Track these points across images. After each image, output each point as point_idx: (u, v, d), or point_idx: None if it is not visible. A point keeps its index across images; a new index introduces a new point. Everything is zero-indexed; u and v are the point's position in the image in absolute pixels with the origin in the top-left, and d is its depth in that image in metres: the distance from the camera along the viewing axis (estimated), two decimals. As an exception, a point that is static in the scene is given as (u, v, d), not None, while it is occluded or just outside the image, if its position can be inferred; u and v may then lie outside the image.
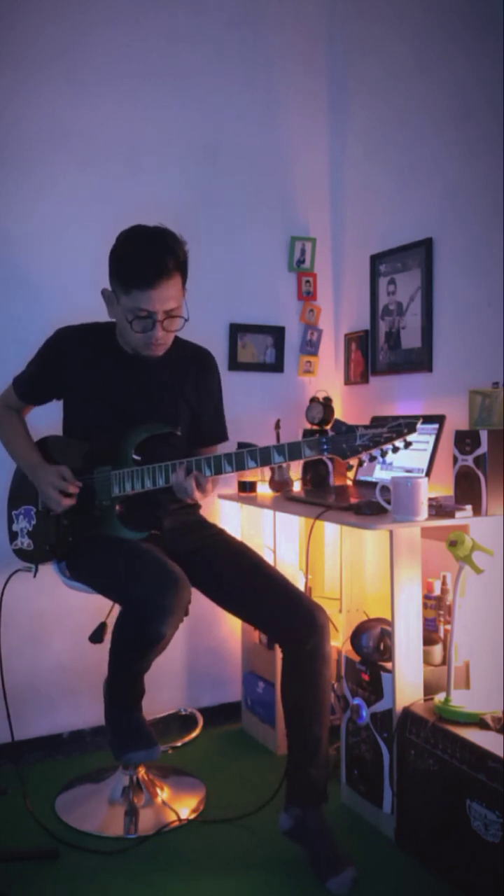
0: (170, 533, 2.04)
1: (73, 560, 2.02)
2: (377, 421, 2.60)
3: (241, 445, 2.51)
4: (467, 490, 2.12)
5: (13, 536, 2.15)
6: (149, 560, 1.82)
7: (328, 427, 2.77)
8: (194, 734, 2.65)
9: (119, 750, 1.93)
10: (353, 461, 1.77)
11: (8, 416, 2.14)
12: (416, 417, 1.73)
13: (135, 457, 1.94)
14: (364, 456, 1.73)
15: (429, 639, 2.12)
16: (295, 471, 2.74)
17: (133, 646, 1.87)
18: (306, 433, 2.84)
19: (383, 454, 1.72)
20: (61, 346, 2.01)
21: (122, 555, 1.88)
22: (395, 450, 1.71)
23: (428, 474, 2.29)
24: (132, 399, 1.98)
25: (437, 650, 2.13)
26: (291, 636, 1.91)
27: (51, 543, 2.03)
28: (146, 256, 1.81)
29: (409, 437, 1.72)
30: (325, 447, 1.74)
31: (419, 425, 1.73)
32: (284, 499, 2.53)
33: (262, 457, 1.79)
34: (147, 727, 1.96)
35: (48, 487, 1.95)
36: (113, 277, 1.87)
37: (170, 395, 2.03)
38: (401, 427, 1.69)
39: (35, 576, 2.09)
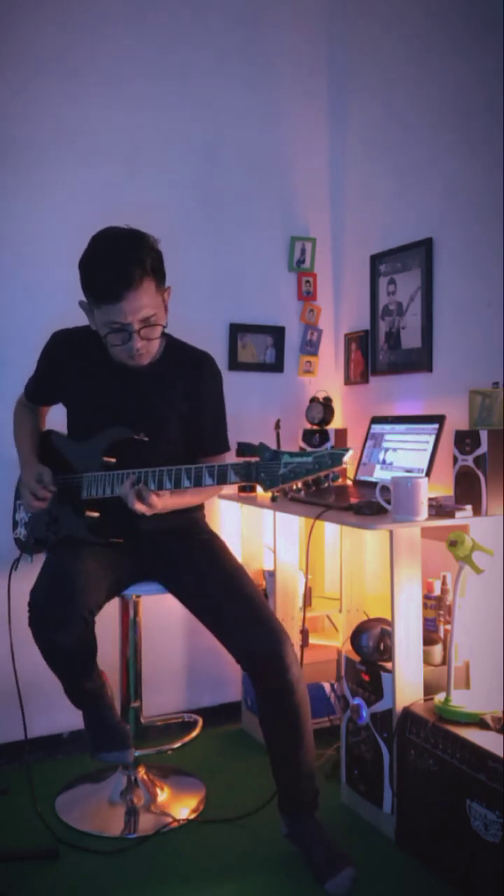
0: (149, 537, 2.01)
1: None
2: (377, 420, 2.62)
3: (240, 445, 2.52)
4: (467, 490, 2.12)
5: (15, 525, 2.18)
6: (59, 568, 1.83)
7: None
8: (194, 734, 2.65)
9: (93, 749, 1.95)
10: (277, 492, 1.60)
11: (22, 411, 2.17)
12: (345, 449, 1.54)
13: (108, 460, 1.91)
14: (286, 487, 1.56)
15: (429, 639, 2.11)
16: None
17: (43, 652, 1.87)
18: (306, 433, 2.84)
19: (307, 486, 1.57)
20: (58, 349, 2.02)
21: (54, 560, 1.90)
22: (320, 482, 1.56)
23: (428, 474, 2.29)
24: (126, 401, 1.96)
25: (437, 650, 2.13)
26: (252, 664, 1.86)
27: (37, 537, 2.06)
28: (109, 269, 1.75)
29: (340, 468, 1.54)
30: (244, 474, 1.63)
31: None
32: (284, 499, 2.52)
33: (196, 477, 1.71)
34: (122, 729, 1.96)
35: (24, 487, 1.97)
36: (84, 290, 1.83)
37: (160, 399, 1.98)
38: (325, 459, 1.52)
39: (16, 568, 2.07)
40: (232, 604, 1.90)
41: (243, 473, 1.64)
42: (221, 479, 1.67)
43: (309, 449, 2.79)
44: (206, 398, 2.02)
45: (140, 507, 1.75)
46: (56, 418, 2.16)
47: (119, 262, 1.75)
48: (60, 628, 1.78)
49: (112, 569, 1.95)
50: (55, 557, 1.94)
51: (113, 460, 1.91)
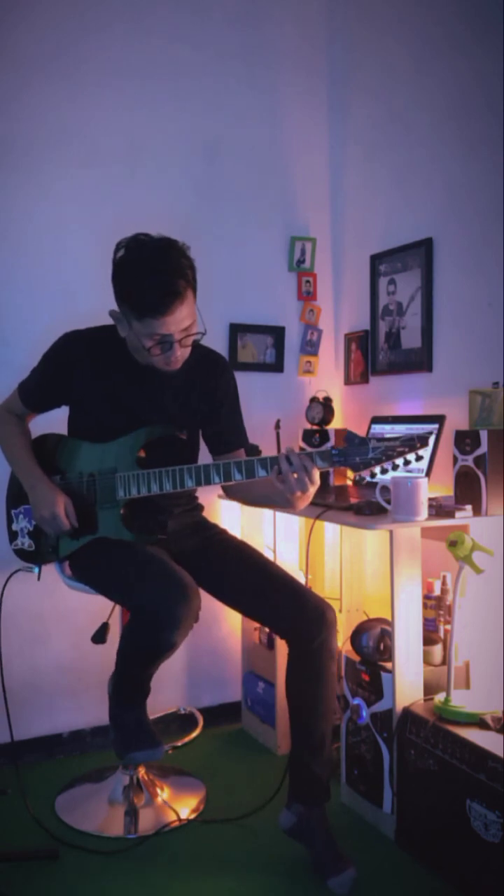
0: (174, 535, 2.03)
1: (75, 561, 2.01)
2: (377, 420, 2.62)
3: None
4: (467, 490, 2.12)
5: (13, 536, 2.11)
6: (158, 568, 1.81)
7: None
8: (194, 734, 2.65)
9: (122, 749, 1.92)
10: (365, 473, 1.77)
11: (8, 418, 2.09)
12: (428, 432, 1.73)
13: (140, 455, 1.92)
14: (376, 468, 1.74)
15: (429, 639, 2.12)
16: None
17: (143, 652, 1.87)
18: (306, 433, 2.84)
19: (394, 467, 1.72)
20: (68, 351, 1.97)
21: (130, 561, 1.86)
22: (407, 462, 1.72)
23: (428, 474, 2.29)
24: (140, 405, 1.95)
25: (437, 650, 2.13)
26: (300, 632, 1.89)
27: (53, 545, 2.01)
28: (156, 284, 1.73)
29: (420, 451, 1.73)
30: (337, 459, 1.73)
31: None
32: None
33: (272, 465, 1.77)
34: (151, 727, 1.95)
35: (46, 520, 1.93)
36: (121, 302, 1.80)
37: (178, 401, 1.99)
38: (413, 441, 1.70)
39: (39, 578, 2.08)
40: (269, 582, 1.95)
41: (329, 460, 1.74)
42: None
43: (309, 449, 2.80)
44: (225, 396, 2.05)
45: (312, 488, 1.76)
46: (57, 421, 2.16)
47: (166, 276, 1.74)
48: (176, 627, 1.76)
49: None
50: (137, 562, 1.86)
51: (142, 454, 1.92)
